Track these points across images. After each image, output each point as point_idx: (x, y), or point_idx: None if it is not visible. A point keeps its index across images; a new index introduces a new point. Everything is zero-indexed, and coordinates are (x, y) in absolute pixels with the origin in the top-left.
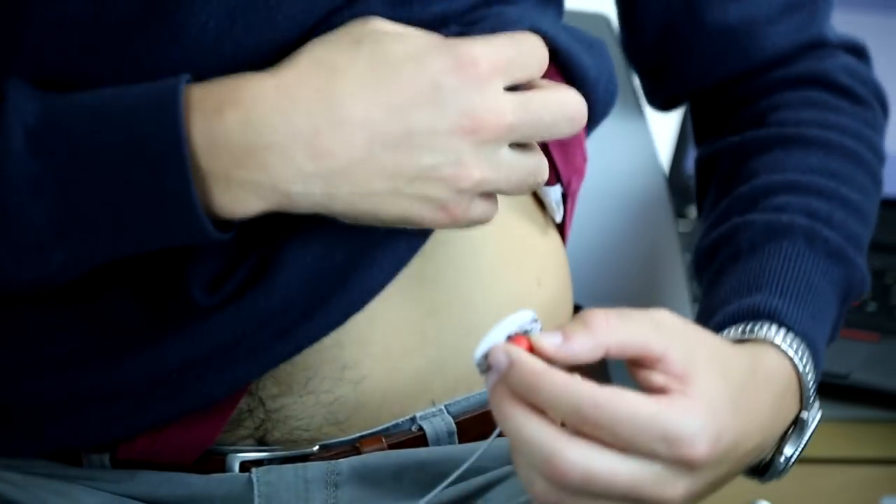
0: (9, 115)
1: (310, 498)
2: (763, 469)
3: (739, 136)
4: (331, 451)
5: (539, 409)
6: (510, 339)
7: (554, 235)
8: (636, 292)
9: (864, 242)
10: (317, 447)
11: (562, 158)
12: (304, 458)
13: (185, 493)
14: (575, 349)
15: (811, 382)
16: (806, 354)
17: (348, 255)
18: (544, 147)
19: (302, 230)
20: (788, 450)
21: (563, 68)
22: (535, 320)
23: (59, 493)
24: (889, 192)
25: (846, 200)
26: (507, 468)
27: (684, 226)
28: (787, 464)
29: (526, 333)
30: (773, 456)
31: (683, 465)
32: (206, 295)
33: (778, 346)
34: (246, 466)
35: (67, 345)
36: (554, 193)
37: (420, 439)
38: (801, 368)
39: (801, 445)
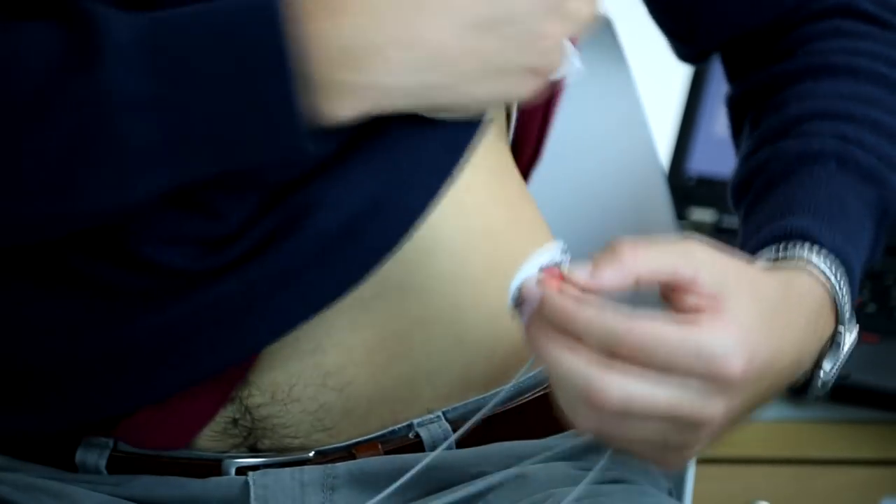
0: (104, 35)
1: (306, 501)
2: (802, 388)
3: (769, 70)
4: (327, 457)
5: (574, 339)
6: (542, 271)
7: (547, 239)
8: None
9: None
10: (312, 453)
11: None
12: (301, 463)
13: (181, 496)
14: (605, 279)
15: (846, 300)
16: (840, 272)
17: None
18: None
19: (324, 182)
20: (827, 365)
21: None
22: (566, 252)
23: (58, 496)
24: None
25: (878, 123)
26: (508, 472)
27: (685, 227)
28: (826, 381)
29: (557, 266)
30: (813, 373)
31: (720, 382)
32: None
33: (811, 264)
34: (242, 471)
35: (69, 312)
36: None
37: (417, 446)
38: (834, 284)
39: (839, 361)
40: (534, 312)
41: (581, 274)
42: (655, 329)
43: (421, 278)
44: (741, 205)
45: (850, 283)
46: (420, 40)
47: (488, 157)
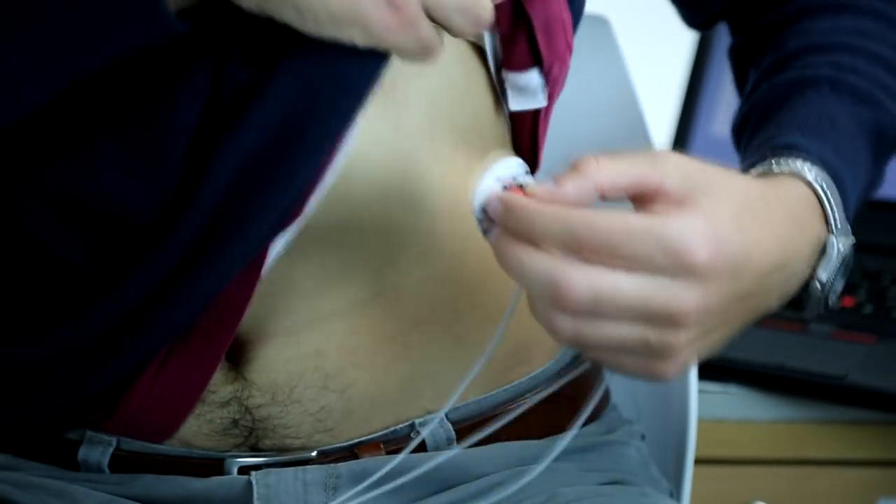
0: None
1: (308, 501)
2: (804, 301)
3: (769, 16)
4: (329, 457)
5: (539, 243)
6: (505, 189)
7: None
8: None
9: (894, 91)
10: (314, 453)
11: (545, 42)
12: (303, 462)
13: (184, 495)
14: (568, 190)
15: (835, 207)
16: (827, 181)
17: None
18: (528, 32)
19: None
20: (823, 274)
21: None
22: (527, 172)
23: (60, 495)
24: (885, 194)
25: (875, 54)
26: (508, 472)
27: None
28: (825, 291)
29: (520, 187)
30: (809, 283)
31: (686, 271)
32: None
33: (795, 173)
34: (244, 471)
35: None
36: (532, 78)
37: (419, 446)
38: (819, 190)
39: (836, 271)
40: (500, 229)
41: (544, 187)
42: (617, 221)
43: (417, 280)
44: (741, 141)
45: (843, 196)
46: None
47: (485, 159)
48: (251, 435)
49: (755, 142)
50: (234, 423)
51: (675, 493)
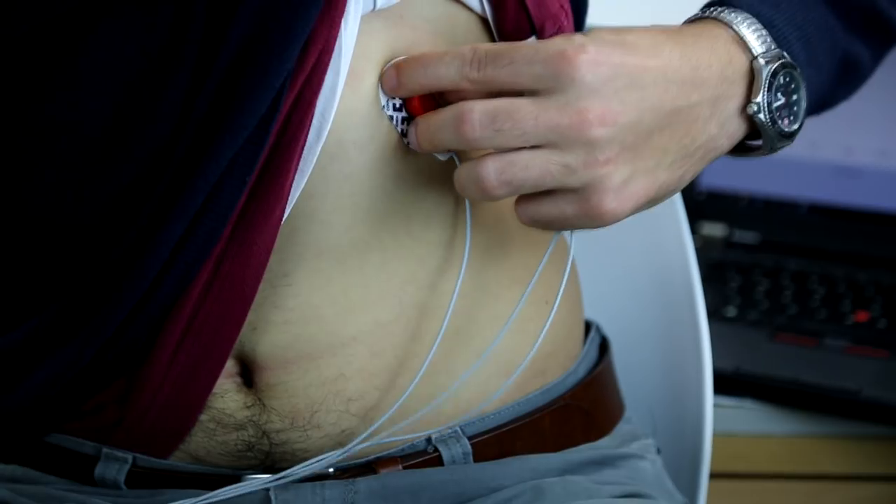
0: None
1: None
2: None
3: None
4: (347, 473)
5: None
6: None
7: (562, 253)
8: (648, 309)
9: None
10: (332, 469)
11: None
12: (321, 478)
13: None
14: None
15: (760, 41)
16: (749, 20)
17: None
18: None
19: None
20: (759, 97)
21: None
22: None
23: None
24: None
25: None
26: (523, 485)
27: (695, 241)
28: (769, 114)
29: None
30: (748, 109)
31: (570, 80)
32: None
33: (708, 15)
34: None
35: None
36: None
37: (436, 460)
38: (727, 19)
39: (770, 91)
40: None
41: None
42: (499, 45)
43: (439, 295)
44: None
45: (775, 36)
46: None
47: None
48: (267, 458)
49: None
50: (250, 446)
51: None
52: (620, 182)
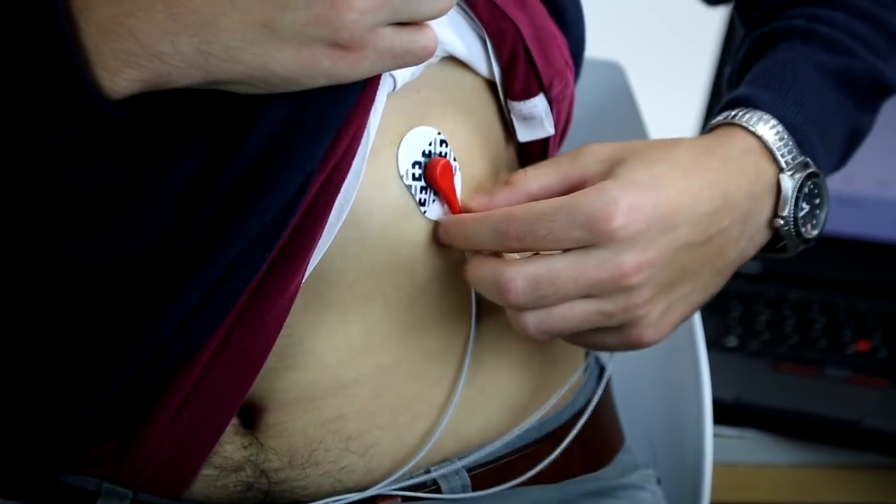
0: None
1: None
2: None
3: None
4: None
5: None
6: (430, 159)
7: None
8: None
9: (875, 44)
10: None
11: (539, 54)
12: None
13: None
14: (500, 200)
15: (786, 150)
16: (771, 124)
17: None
18: (527, 59)
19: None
20: (783, 210)
21: (544, 1)
22: (444, 141)
23: None
24: None
25: (854, 7)
26: None
27: None
28: (793, 226)
29: (443, 156)
30: (774, 222)
31: (608, 238)
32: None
33: (735, 122)
34: None
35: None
36: (539, 104)
37: (434, 492)
38: (757, 132)
39: (796, 203)
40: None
41: (479, 201)
42: (531, 209)
43: (442, 338)
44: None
45: (800, 137)
46: (189, 9)
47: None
48: (267, 496)
49: (727, 97)
50: (249, 486)
51: None
52: (658, 316)
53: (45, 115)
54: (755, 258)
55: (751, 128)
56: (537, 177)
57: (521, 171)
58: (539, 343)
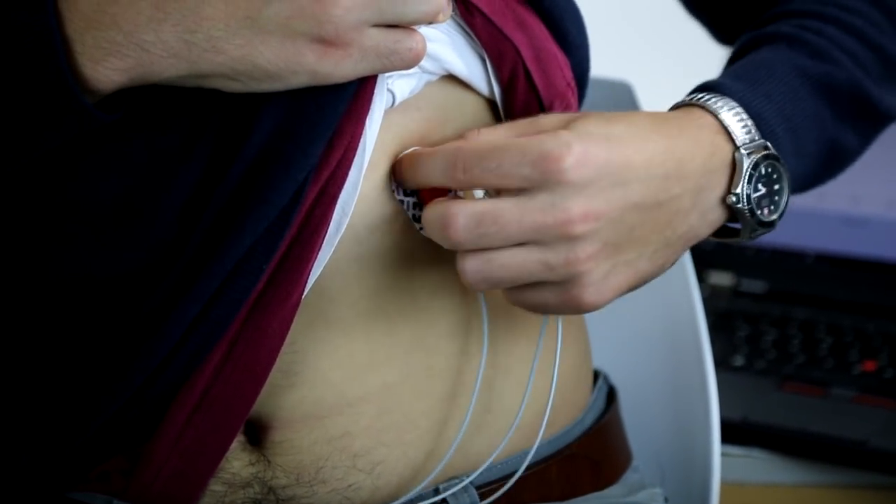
0: None
1: None
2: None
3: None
4: None
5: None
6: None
7: None
8: (656, 357)
9: (865, 62)
10: None
11: (539, 74)
12: None
13: None
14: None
15: (744, 132)
16: (729, 105)
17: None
18: (527, 79)
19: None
20: (738, 188)
21: (546, 24)
22: None
23: None
24: None
25: (847, 24)
26: None
27: (702, 290)
28: (747, 205)
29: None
30: (727, 200)
31: (557, 181)
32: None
33: (695, 102)
34: None
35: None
36: None
37: None
38: (713, 108)
39: (750, 183)
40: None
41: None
42: (485, 142)
43: (447, 356)
44: None
45: (763, 129)
46: None
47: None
48: None
49: None
50: (257, 503)
51: None
52: (601, 276)
53: (29, 114)
54: (760, 277)
55: (710, 108)
56: (491, 132)
57: (475, 129)
58: (505, 316)
